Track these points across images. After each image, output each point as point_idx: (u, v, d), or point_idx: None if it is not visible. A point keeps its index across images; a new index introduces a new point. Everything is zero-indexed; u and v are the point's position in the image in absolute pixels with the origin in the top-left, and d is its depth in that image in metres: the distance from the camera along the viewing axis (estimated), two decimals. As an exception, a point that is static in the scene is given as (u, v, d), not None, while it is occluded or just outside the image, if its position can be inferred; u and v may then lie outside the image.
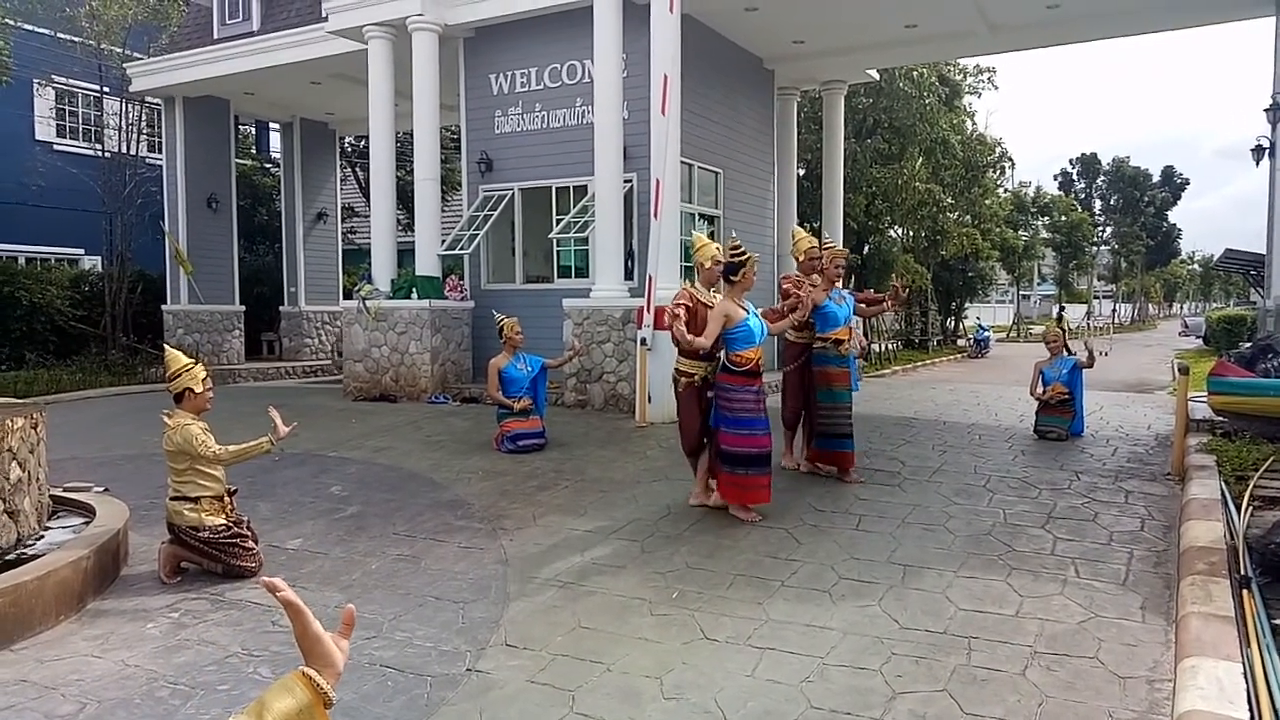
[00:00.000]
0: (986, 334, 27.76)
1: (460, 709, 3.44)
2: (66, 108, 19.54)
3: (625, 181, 11.02)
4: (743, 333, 5.74)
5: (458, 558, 5.28)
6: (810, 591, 4.57)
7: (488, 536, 5.67)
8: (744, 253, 5.85)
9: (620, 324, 10.40)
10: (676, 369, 6.15)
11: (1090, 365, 8.56)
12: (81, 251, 19.25)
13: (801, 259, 7.11)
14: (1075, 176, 56.20)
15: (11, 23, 15.11)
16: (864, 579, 4.71)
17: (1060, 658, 3.73)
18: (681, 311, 5.82)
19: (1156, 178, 56.13)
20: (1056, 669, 3.63)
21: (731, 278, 5.81)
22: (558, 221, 11.79)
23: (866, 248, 23.33)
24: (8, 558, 4.72)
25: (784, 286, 7.10)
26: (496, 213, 12.31)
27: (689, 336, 5.66)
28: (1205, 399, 8.17)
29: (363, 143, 22.40)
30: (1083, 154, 56.38)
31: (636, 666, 3.77)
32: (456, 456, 8.06)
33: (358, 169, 23.61)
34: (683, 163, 11.07)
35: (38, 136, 18.74)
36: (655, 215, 9.79)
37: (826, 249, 7.13)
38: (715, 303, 5.94)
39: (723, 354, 5.91)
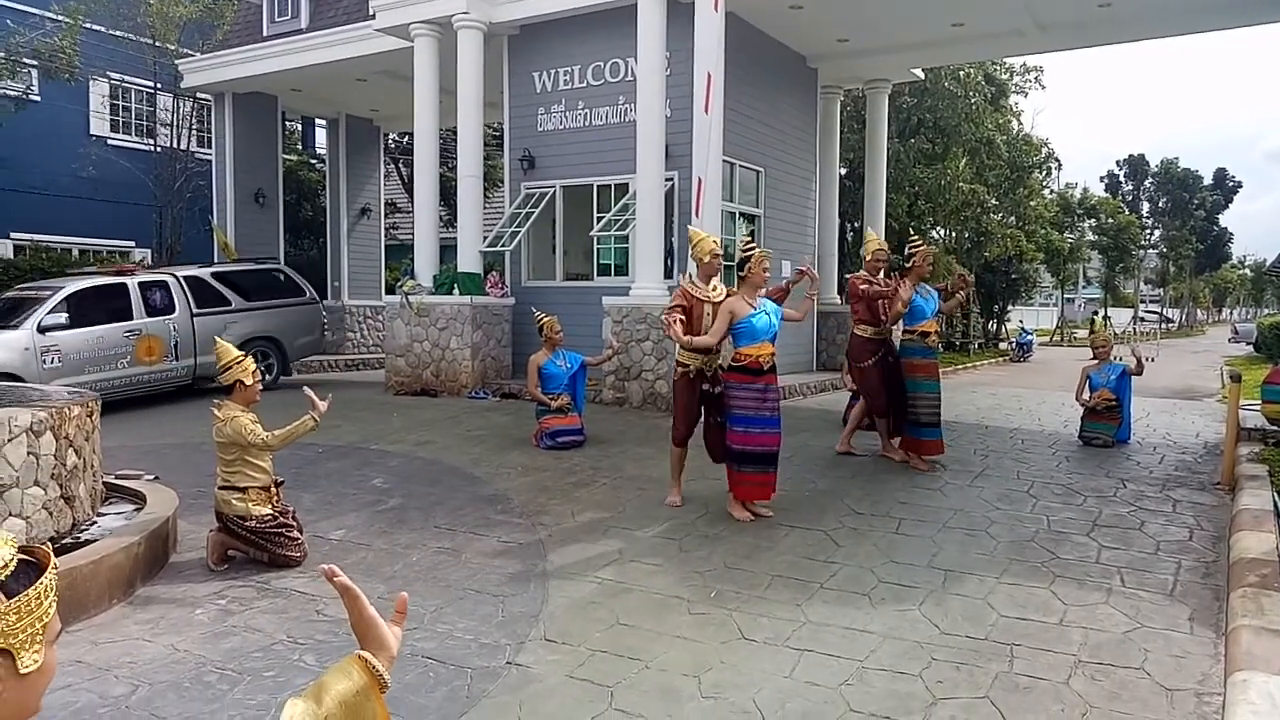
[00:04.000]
0: (1029, 338, 27.33)
1: (500, 702, 3.48)
2: (120, 103, 19.96)
3: (666, 180, 11.03)
4: (745, 329, 5.77)
5: (497, 552, 5.33)
6: (849, 594, 4.55)
7: (527, 531, 5.72)
8: (751, 248, 5.92)
9: (659, 322, 10.40)
10: (676, 360, 6.27)
11: (1140, 372, 8.41)
12: (132, 244, 19.64)
13: (869, 258, 7.56)
14: (1122, 178, 55.13)
15: (73, 20, 15.48)
16: (904, 583, 4.68)
17: (1105, 668, 3.68)
18: (678, 314, 5.87)
19: (1208, 180, 54.86)
20: (1101, 679, 3.58)
21: (740, 273, 5.89)
22: (598, 219, 11.83)
23: (908, 249, 23.07)
24: (64, 542, 4.86)
25: (861, 288, 7.32)
26: (538, 210, 12.38)
27: (686, 338, 5.77)
28: (1258, 407, 7.98)
29: (406, 139, 22.63)
30: (1130, 155, 55.45)
31: (675, 664, 3.78)
32: (496, 452, 8.13)
33: (401, 165, 23.88)
34: (724, 161, 11.05)
35: (92, 131, 19.18)
36: (696, 214, 9.79)
37: (915, 248, 7.48)
38: (713, 297, 6.05)
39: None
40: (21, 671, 1.18)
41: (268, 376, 12.35)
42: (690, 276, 6.28)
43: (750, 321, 5.74)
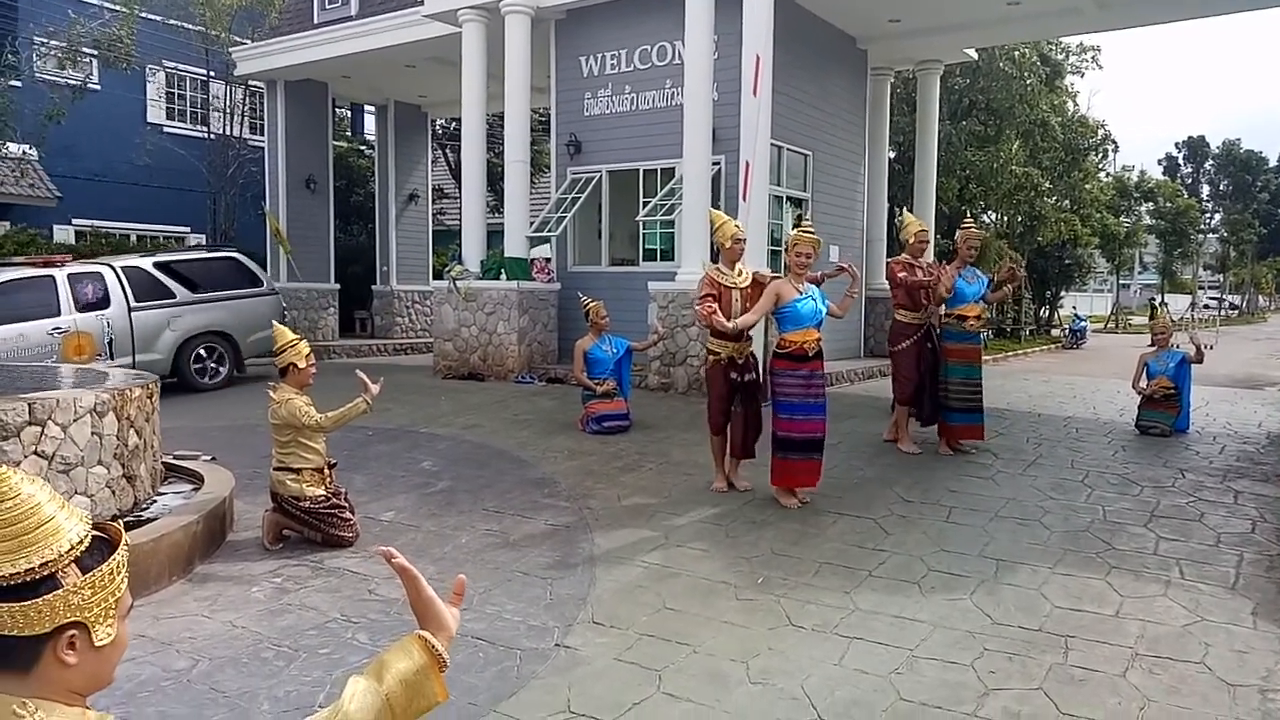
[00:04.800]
0: (1083, 324, 26.76)
1: (549, 683, 3.51)
2: (175, 91, 20.38)
3: (713, 164, 10.96)
4: (788, 314, 5.69)
5: (545, 535, 5.37)
6: (899, 582, 4.50)
7: (574, 515, 5.75)
8: (806, 231, 5.86)
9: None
10: (706, 348, 6.22)
11: (1200, 361, 8.19)
12: (188, 229, 20.10)
13: (912, 241, 7.33)
14: (1181, 161, 53.68)
15: (130, 10, 15.81)
16: (954, 572, 4.62)
17: (1163, 661, 3.60)
18: (710, 303, 5.80)
19: (1273, 162, 53.15)
20: (1159, 672, 3.51)
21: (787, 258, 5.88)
22: (644, 204, 11.81)
23: (958, 233, 22.71)
24: (125, 520, 4.99)
25: (900, 276, 7.18)
26: (584, 195, 12.39)
27: (731, 324, 5.71)
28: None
29: (453, 125, 22.77)
30: (1190, 137, 53.94)
31: (722, 650, 3.78)
32: (543, 436, 8.18)
33: (448, 151, 24.04)
34: (772, 145, 10.95)
35: (149, 119, 19.61)
36: (744, 198, 9.71)
37: (961, 229, 7.45)
38: (739, 283, 6.02)
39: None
40: (96, 644, 1.22)
41: (221, 371, 11.77)
42: (716, 264, 6.19)
43: (795, 306, 5.66)
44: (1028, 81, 20.37)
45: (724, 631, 3.97)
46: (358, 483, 6.43)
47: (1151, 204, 39.15)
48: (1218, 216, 52.43)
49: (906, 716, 3.22)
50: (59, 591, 1.17)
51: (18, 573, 1.15)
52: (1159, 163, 54.15)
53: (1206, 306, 49.84)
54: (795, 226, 5.98)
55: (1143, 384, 8.26)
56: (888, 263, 7.82)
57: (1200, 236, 47.69)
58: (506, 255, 12.34)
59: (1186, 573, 4.56)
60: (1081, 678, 3.48)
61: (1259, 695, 3.32)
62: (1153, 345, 8.44)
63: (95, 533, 1.25)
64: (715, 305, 5.78)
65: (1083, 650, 3.70)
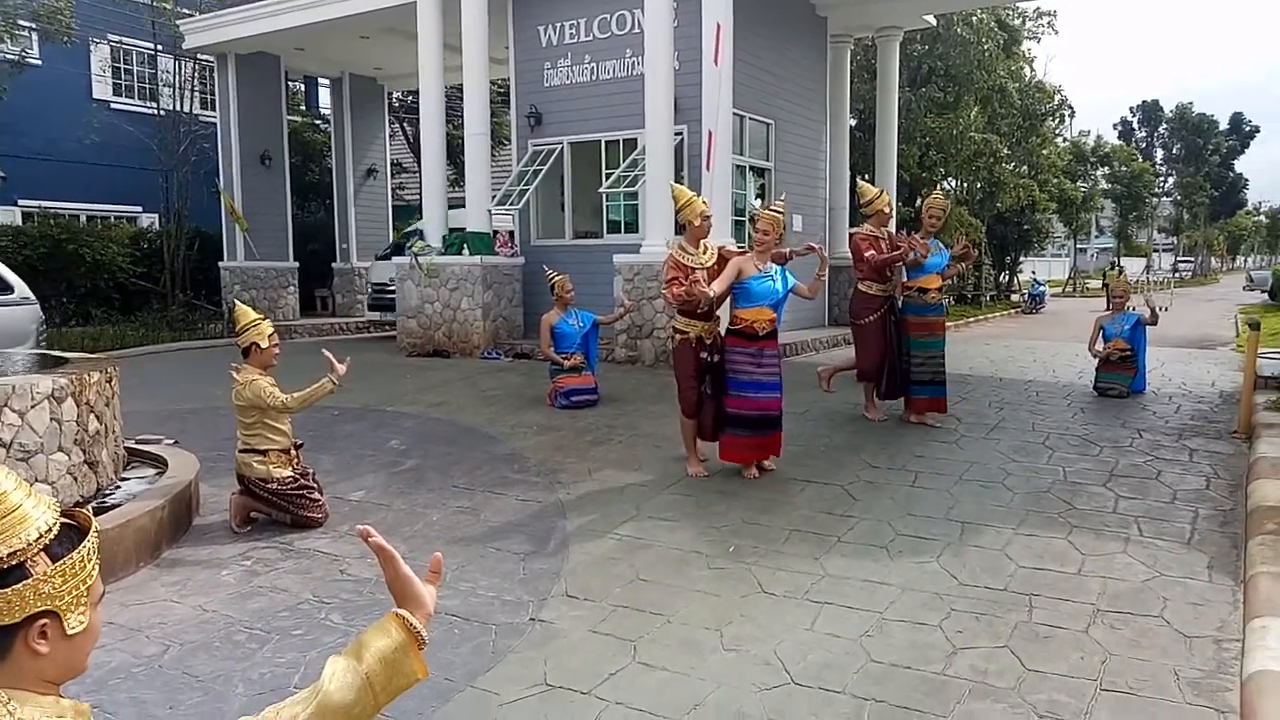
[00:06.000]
0: (1042, 289, 27.16)
1: (525, 656, 3.53)
2: (122, 66, 19.81)
3: (675, 134, 10.91)
4: (742, 291, 5.62)
5: (516, 510, 5.37)
6: (867, 547, 4.57)
7: (544, 490, 5.76)
8: (777, 208, 5.83)
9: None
10: (673, 327, 6.04)
11: (1154, 322, 8.36)
12: (140, 209, 19.63)
13: (886, 210, 7.18)
14: (1136, 125, 54.39)
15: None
16: (921, 535, 4.70)
17: (1124, 616, 3.70)
18: (678, 286, 5.66)
19: (1224, 125, 54.05)
20: (1120, 627, 3.61)
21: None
22: (607, 176, 11.74)
23: (919, 200, 22.88)
24: (89, 506, 4.91)
25: (867, 254, 7.01)
26: (545, 167, 12.29)
27: (709, 290, 5.40)
28: (1277, 355, 7.92)
29: (411, 98, 22.41)
30: (1144, 101, 54.56)
31: (696, 618, 3.82)
32: (511, 411, 8.16)
33: (406, 125, 23.66)
34: (734, 114, 10.91)
35: (95, 95, 19.05)
36: (707, 168, 9.70)
37: (926, 199, 7.48)
38: (705, 261, 5.82)
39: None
40: (69, 633, 1.20)
41: None
42: (679, 243, 5.97)
43: (749, 284, 5.58)
44: (985, 47, 20.49)
45: (697, 600, 4.01)
46: (325, 463, 6.37)
47: (1107, 168, 39.74)
48: (1171, 180, 53.29)
49: (877, 678, 3.28)
50: (28, 581, 1.16)
51: (-14, 564, 1.13)
52: (1114, 127, 54.89)
53: (1175, 270, 50.77)
54: (759, 199, 5.94)
55: (1099, 347, 8.42)
56: (851, 235, 7.73)
57: (1154, 200, 48.54)
58: (468, 229, 12.21)
59: (1145, 530, 4.68)
60: (1046, 635, 3.57)
61: (1214, 645, 3.43)
62: (1108, 308, 8.59)
63: (64, 520, 1.23)
64: (697, 275, 5.60)
65: (1046, 608, 3.80)
